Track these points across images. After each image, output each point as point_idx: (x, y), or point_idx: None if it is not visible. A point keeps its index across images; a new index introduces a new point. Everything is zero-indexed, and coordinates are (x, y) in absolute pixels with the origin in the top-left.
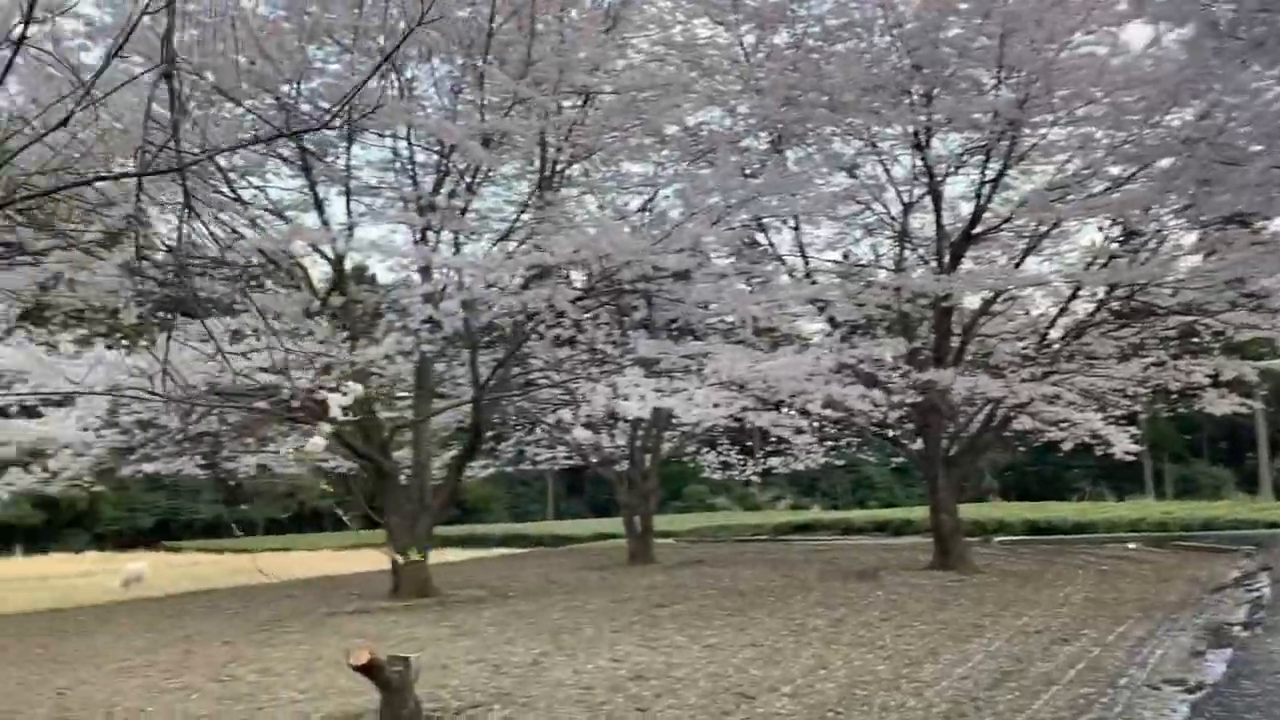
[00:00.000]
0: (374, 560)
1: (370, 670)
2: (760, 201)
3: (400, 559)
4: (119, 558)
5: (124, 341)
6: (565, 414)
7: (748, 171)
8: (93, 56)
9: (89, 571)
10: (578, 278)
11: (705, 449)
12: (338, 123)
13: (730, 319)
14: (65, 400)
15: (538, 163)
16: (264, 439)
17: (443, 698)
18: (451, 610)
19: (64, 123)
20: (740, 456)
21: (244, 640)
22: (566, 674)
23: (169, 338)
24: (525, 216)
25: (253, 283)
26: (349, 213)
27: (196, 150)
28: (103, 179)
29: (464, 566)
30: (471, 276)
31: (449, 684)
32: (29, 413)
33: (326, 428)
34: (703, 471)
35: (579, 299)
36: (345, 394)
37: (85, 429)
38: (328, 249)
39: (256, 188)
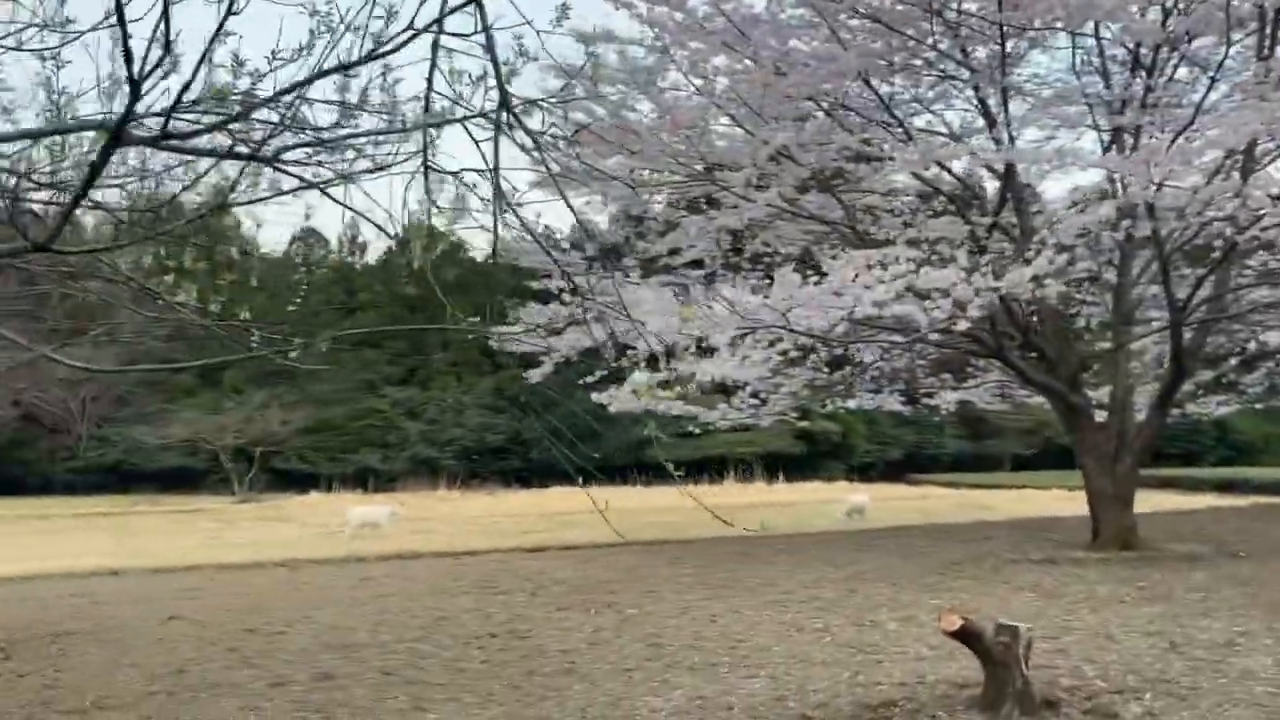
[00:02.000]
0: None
1: (965, 637)
2: None
3: None
4: (848, 488)
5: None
6: (1273, 337)
7: None
8: None
9: (827, 500)
10: None
11: None
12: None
13: None
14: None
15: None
16: (963, 374)
17: (1086, 674)
18: (1152, 568)
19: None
20: None
21: (910, 583)
22: (1263, 664)
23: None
24: (1214, 96)
25: (920, 212)
26: (1008, 125)
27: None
28: (355, 63)
29: (1197, 516)
30: (1135, 176)
31: (1104, 659)
32: (705, 353)
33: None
34: None
35: None
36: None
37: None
38: (999, 165)
39: (934, 113)
